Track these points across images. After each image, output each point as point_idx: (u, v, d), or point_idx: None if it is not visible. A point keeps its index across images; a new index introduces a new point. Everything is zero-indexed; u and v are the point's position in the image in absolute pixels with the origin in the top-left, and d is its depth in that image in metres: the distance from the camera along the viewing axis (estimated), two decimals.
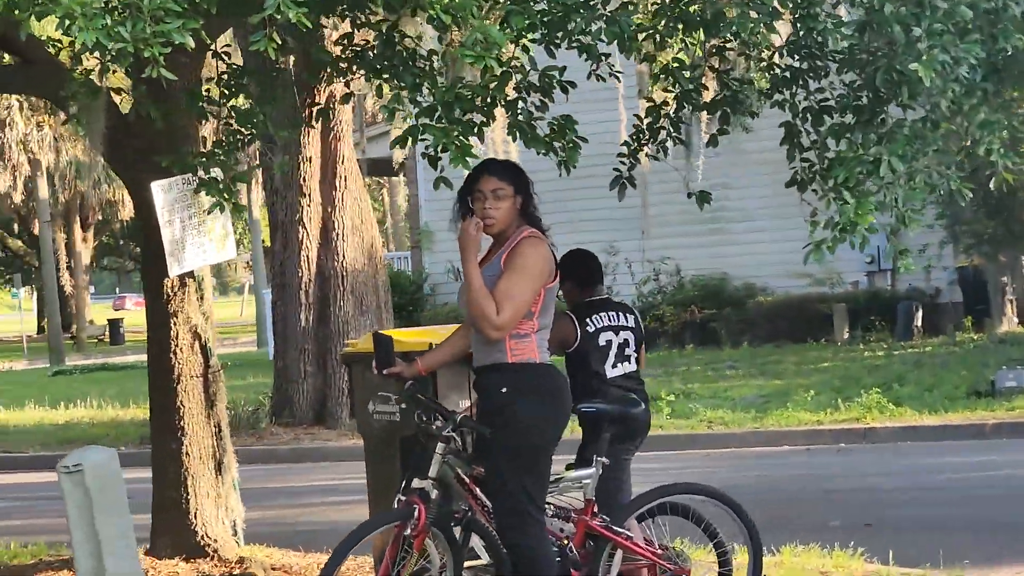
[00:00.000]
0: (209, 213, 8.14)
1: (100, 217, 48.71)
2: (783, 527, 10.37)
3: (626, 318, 7.17)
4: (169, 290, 8.44)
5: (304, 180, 16.21)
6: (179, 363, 8.51)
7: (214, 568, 8.35)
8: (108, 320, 53.69)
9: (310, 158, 16.09)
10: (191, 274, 8.49)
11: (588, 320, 7.15)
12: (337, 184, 16.58)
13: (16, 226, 53.26)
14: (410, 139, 6.27)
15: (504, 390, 5.95)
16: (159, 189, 8.04)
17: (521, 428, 5.81)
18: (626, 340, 7.32)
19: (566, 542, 6.43)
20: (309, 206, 16.39)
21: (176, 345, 8.50)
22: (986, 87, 6.58)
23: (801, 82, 7.29)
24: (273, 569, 8.67)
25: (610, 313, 7.32)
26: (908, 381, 18.78)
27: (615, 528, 6.44)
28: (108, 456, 7.13)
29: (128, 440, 17.96)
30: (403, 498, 6.18)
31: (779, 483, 12.81)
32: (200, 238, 8.40)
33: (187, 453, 8.47)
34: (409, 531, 5.97)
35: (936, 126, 6.46)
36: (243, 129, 7.75)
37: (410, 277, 30.09)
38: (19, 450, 18.21)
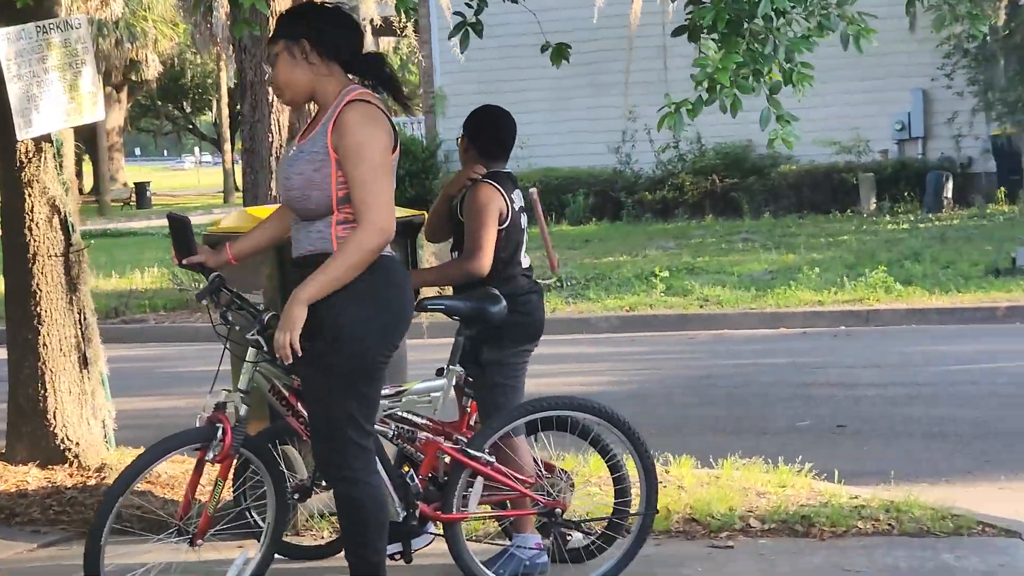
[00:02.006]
0: (66, 69, 7.45)
1: (123, 76, 47.84)
2: (745, 429, 9.76)
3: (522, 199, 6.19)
4: (23, 156, 7.54)
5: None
6: (35, 240, 7.67)
7: (68, 477, 7.58)
8: (135, 183, 53.06)
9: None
10: (48, 138, 7.63)
11: (512, 196, 6.24)
12: None
13: None
14: None
15: None
16: (5, 38, 7.26)
17: (343, 336, 4.74)
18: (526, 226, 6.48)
19: (407, 469, 5.50)
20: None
21: (31, 220, 7.65)
22: None
23: None
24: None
25: (519, 190, 6.33)
26: (925, 257, 17.83)
27: (472, 452, 5.45)
28: None
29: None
30: (206, 415, 5.27)
31: (758, 374, 11.91)
32: (58, 97, 7.55)
33: (45, 344, 7.69)
34: (211, 455, 5.02)
35: None
36: None
37: (423, 143, 29.14)
38: None
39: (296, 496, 5.93)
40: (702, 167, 25.94)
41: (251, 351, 5.16)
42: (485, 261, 5.96)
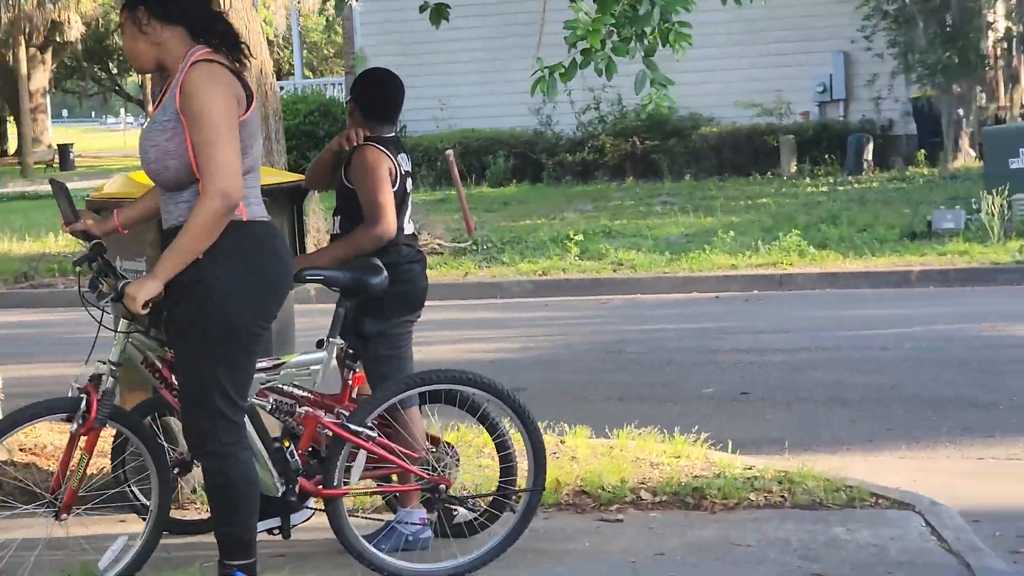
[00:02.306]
0: None
1: (46, 37, 46.87)
2: (651, 396, 9.65)
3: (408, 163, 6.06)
4: None
5: None
6: None
7: None
8: (58, 145, 51.73)
9: None
10: None
11: (399, 159, 6.07)
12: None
13: None
14: None
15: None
16: None
17: (212, 300, 4.57)
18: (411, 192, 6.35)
19: (288, 444, 5.33)
20: None
21: None
22: None
23: None
24: (22, 451, 7.54)
25: (405, 154, 6.17)
26: (842, 220, 17.88)
27: (353, 426, 5.29)
28: None
29: (4, 276, 17.20)
30: (77, 386, 5.10)
31: (667, 339, 11.80)
32: None
33: None
34: (75, 427, 4.86)
35: None
36: None
37: (343, 105, 28.38)
38: None
39: (176, 470, 5.80)
40: (623, 129, 25.77)
41: (122, 322, 4.99)
42: (390, 221, 5.85)
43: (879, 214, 18.44)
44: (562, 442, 7.64)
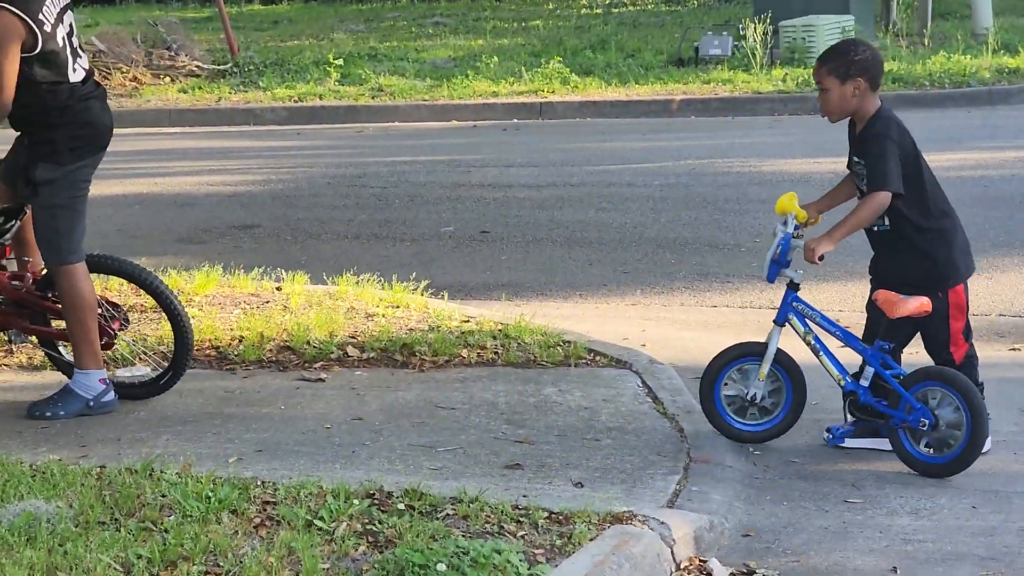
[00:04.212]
0: None
1: None
2: (385, 235, 9.38)
3: None
4: None
5: None
6: None
7: None
8: None
9: None
10: None
11: (41, 15, 5.58)
12: None
13: None
14: None
15: None
16: None
17: None
18: (71, 24, 5.83)
19: None
20: None
21: None
22: None
23: None
24: None
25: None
26: (611, 45, 17.76)
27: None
28: None
29: None
30: None
31: (414, 172, 11.52)
32: None
33: None
34: None
35: None
36: None
37: None
38: None
39: None
40: None
41: None
42: (5, 96, 5.47)
43: (649, 39, 18.42)
44: (278, 289, 7.40)
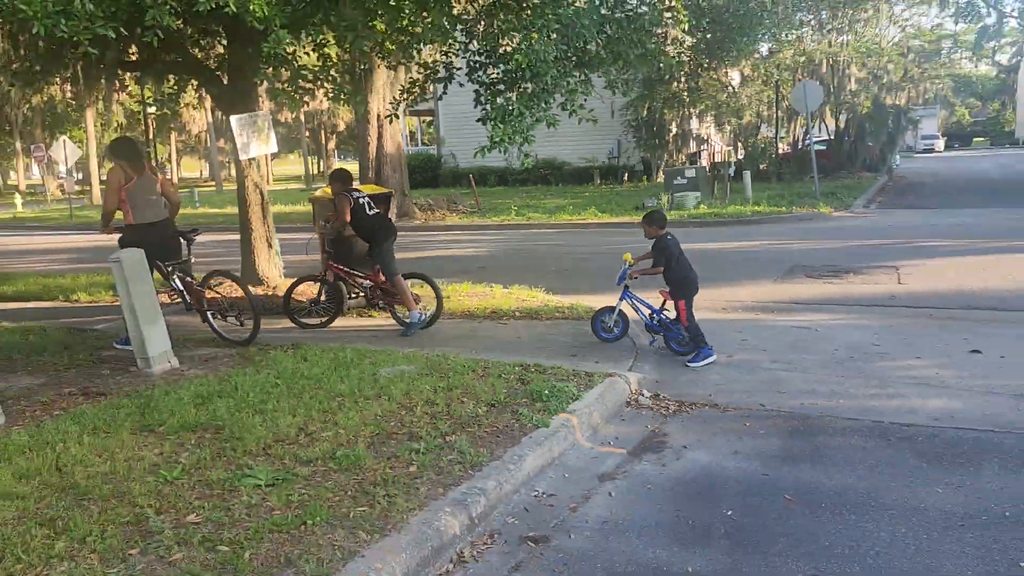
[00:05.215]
0: (259, 130, 8.51)
1: None
2: (534, 268, 11.61)
3: None
4: (244, 164, 8.84)
5: (370, 117, 18.53)
6: (248, 196, 8.86)
7: (262, 291, 8.78)
8: None
9: (371, 106, 17.71)
10: (253, 159, 8.80)
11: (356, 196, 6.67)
12: (382, 121, 19.09)
13: None
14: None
15: None
16: (235, 119, 8.27)
17: None
18: (368, 200, 6.95)
19: None
20: (371, 129, 18.91)
21: (246, 188, 8.86)
22: (571, 72, 6.57)
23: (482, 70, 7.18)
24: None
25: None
26: (612, 201, 20.40)
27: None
28: (137, 253, 6.14)
29: None
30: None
31: (544, 245, 13.82)
32: (256, 141, 8.50)
33: (253, 236, 8.98)
34: None
35: (549, 92, 6.47)
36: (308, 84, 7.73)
37: (434, 157, 33.63)
38: None
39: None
40: (536, 164, 30.51)
41: None
42: (342, 219, 6.69)
43: (628, 199, 20.76)
44: (490, 288, 8.49)
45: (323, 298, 7.17)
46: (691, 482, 3.93)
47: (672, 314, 6.05)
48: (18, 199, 33.75)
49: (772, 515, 3.53)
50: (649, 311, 6.16)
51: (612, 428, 4.69)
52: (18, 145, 46.41)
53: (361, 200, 6.89)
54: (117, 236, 6.29)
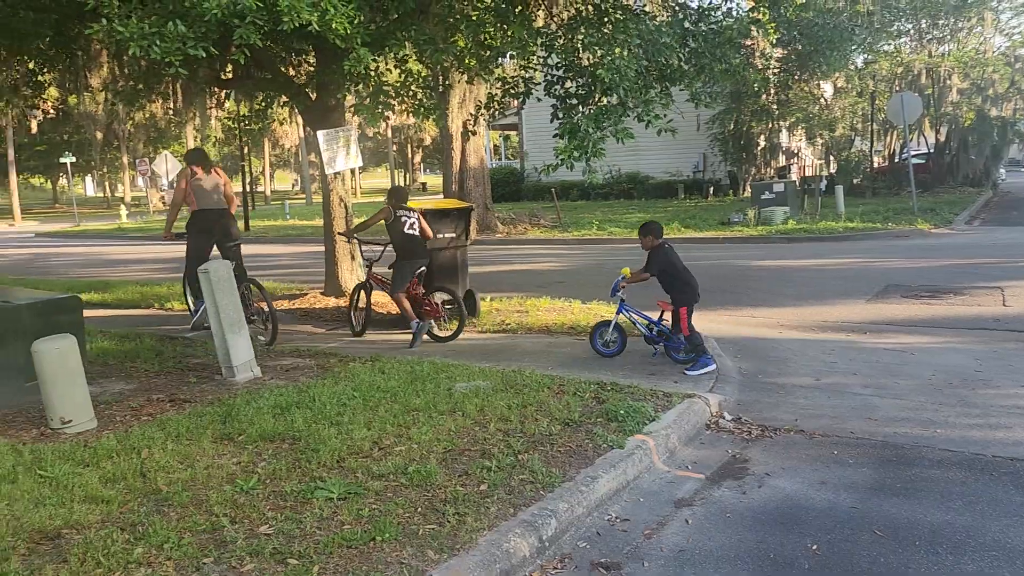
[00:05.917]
0: (346, 145, 8.84)
1: None
2: (594, 282, 10.85)
3: None
4: (331, 179, 9.11)
5: (453, 132, 17.98)
6: (333, 210, 9.23)
7: (342, 302, 9.15)
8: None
9: (453, 121, 17.29)
10: (339, 172, 9.10)
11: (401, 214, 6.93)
12: (465, 135, 18.32)
13: None
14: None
15: None
16: (321, 134, 8.63)
17: None
18: (411, 218, 7.21)
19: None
20: (454, 143, 18.91)
21: (332, 202, 9.20)
22: (652, 85, 6.47)
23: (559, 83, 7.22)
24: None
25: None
26: (696, 215, 20.14)
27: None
28: (225, 265, 6.29)
29: None
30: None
31: (612, 259, 13.57)
32: (342, 155, 8.85)
33: (336, 248, 9.35)
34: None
35: (624, 106, 6.33)
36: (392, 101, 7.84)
37: (517, 171, 33.94)
38: None
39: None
40: (617, 178, 30.74)
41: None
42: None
43: (712, 214, 20.42)
44: (558, 301, 8.58)
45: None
46: (773, 512, 3.79)
47: (669, 323, 6.10)
48: (123, 210, 35.54)
49: (861, 551, 3.37)
50: (647, 322, 6.20)
51: (690, 451, 4.60)
52: (124, 159, 48.97)
53: (404, 218, 7.06)
54: (180, 243, 7.16)
